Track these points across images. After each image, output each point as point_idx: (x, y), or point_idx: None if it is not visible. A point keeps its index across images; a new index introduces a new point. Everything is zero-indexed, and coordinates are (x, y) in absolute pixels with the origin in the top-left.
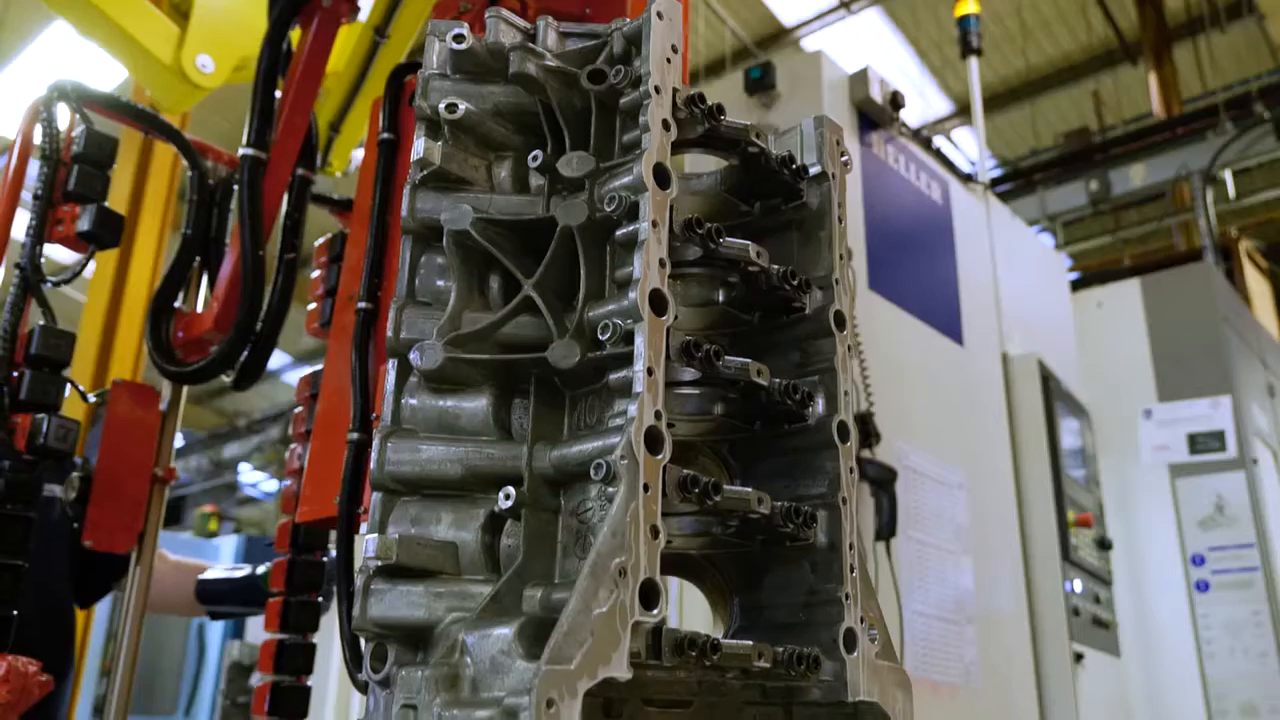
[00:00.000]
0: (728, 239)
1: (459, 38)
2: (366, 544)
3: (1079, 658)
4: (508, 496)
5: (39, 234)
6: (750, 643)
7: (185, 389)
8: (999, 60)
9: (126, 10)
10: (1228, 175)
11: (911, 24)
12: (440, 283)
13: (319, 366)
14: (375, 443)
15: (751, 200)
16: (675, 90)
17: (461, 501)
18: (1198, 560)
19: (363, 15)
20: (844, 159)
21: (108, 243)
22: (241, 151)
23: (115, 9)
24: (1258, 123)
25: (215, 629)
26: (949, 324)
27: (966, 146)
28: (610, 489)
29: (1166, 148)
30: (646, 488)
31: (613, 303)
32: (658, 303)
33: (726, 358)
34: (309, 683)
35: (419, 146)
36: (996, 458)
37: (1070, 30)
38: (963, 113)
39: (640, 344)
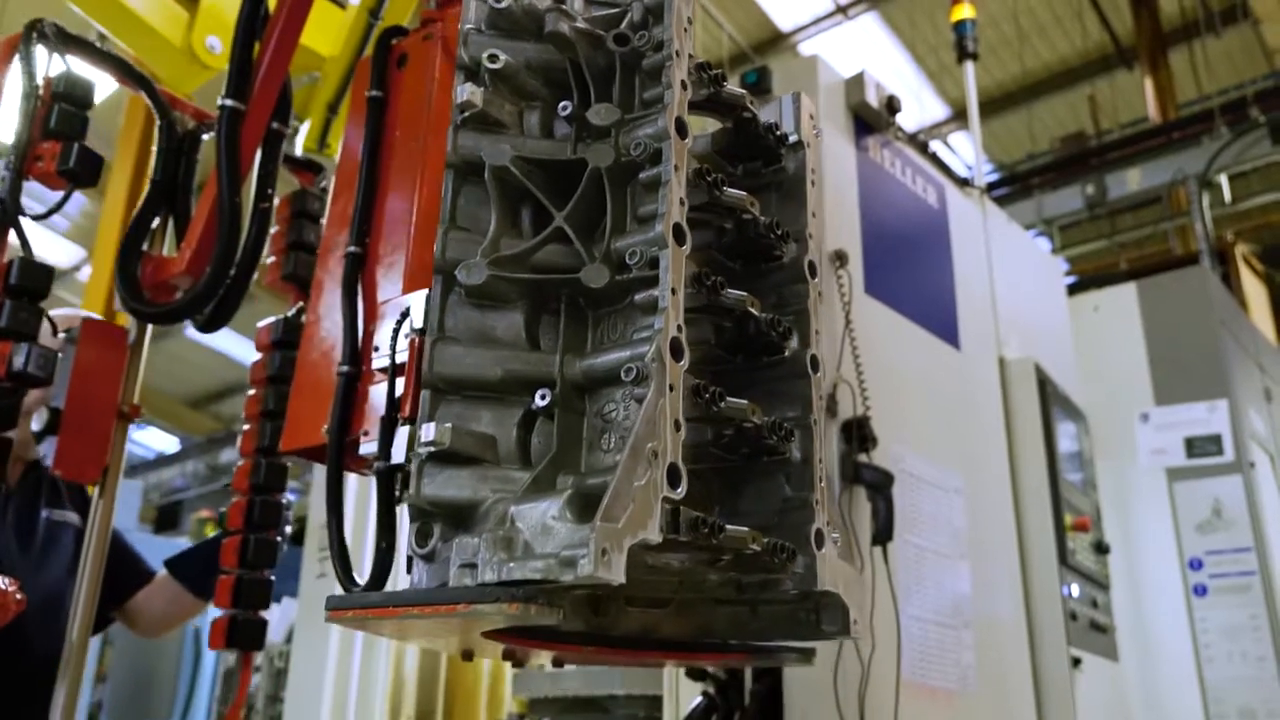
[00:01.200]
0: (728, 189)
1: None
2: (424, 430)
3: (1077, 662)
4: (543, 396)
5: (19, 169)
6: (746, 529)
7: (150, 328)
8: (995, 65)
9: None
10: (1223, 179)
11: (908, 29)
12: (476, 211)
13: (276, 317)
14: (426, 347)
15: (736, 163)
16: (691, 56)
17: (498, 402)
18: (1195, 564)
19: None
20: (815, 131)
21: (86, 181)
22: (220, 102)
23: None
24: (1253, 127)
25: None
26: (946, 328)
27: (963, 151)
28: (639, 390)
29: (1162, 152)
30: (671, 388)
31: (638, 234)
32: (679, 234)
33: (726, 289)
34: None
35: (463, 90)
36: (994, 462)
37: (1066, 35)
38: (959, 117)
39: (665, 268)
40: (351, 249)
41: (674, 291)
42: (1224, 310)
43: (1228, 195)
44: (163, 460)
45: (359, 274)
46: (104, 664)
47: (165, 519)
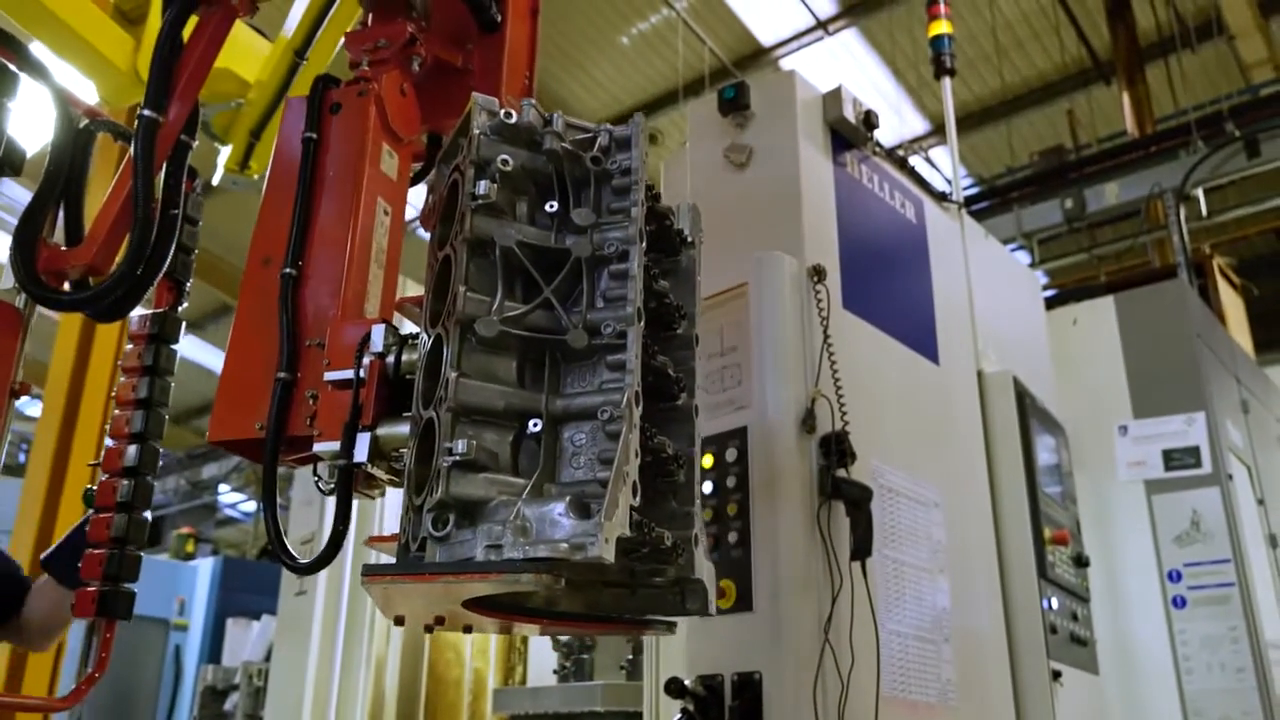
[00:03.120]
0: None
1: (508, 115)
2: (456, 444)
3: (1057, 675)
4: (535, 424)
5: None
6: (665, 530)
7: (36, 308)
8: (974, 79)
9: (85, 20)
10: (1200, 193)
11: (888, 44)
12: (480, 277)
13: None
14: (451, 379)
15: (650, 251)
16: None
17: (499, 426)
18: (1174, 576)
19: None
20: (700, 235)
21: (8, 172)
22: (141, 112)
23: (76, 19)
24: (1229, 141)
25: (192, 654)
26: (924, 342)
27: (944, 165)
28: (612, 426)
29: (1140, 166)
30: (633, 426)
31: (609, 311)
32: (640, 316)
33: (657, 354)
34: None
35: (481, 185)
36: (973, 475)
37: (1044, 50)
38: (939, 131)
39: (632, 339)
40: (288, 270)
41: (636, 356)
42: (1201, 323)
43: (1204, 208)
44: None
45: (294, 292)
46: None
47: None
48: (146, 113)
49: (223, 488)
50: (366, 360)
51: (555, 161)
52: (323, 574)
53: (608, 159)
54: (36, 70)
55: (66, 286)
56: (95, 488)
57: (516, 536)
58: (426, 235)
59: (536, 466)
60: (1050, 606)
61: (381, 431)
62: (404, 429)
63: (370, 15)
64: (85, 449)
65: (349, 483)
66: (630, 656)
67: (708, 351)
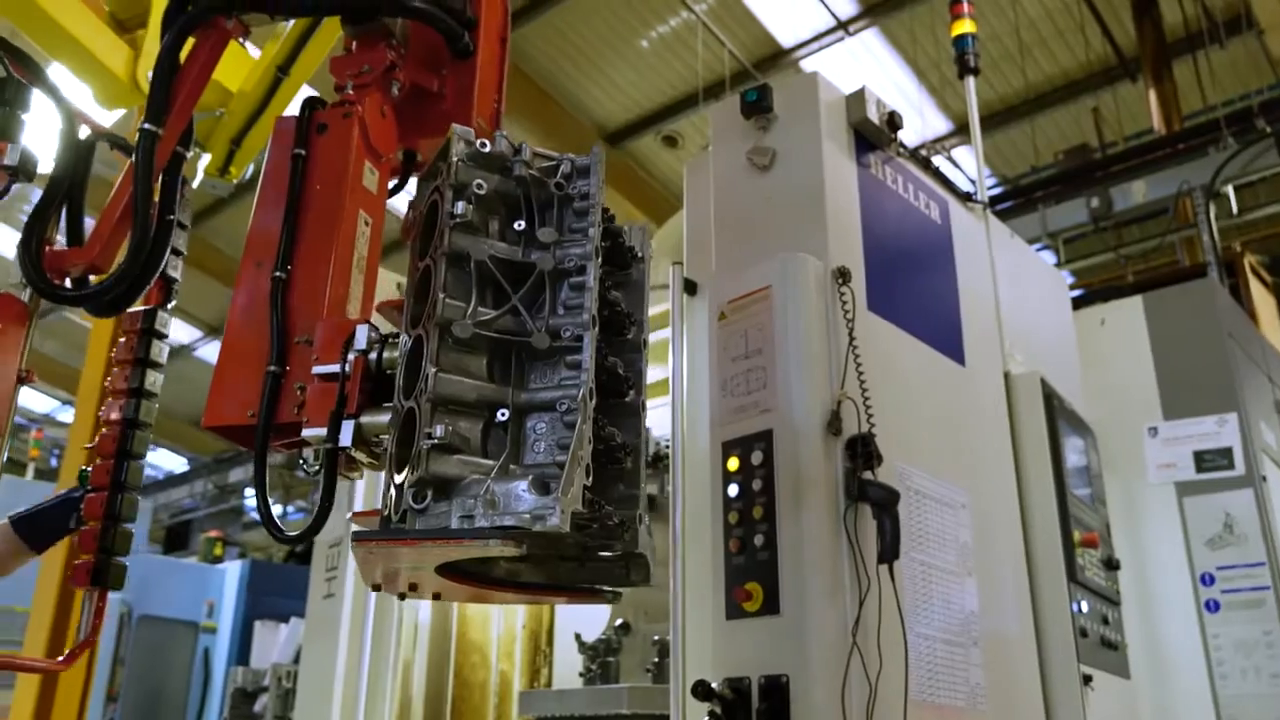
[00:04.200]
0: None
1: (484, 144)
2: (436, 429)
3: (1088, 680)
4: (503, 414)
5: None
6: (613, 510)
7: (41, 304)
8: (997, 78)
9: (88, 30)
10: (1230, 190)
11: (909, 44)
12: (455, 285)
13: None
14: (430, 374)
15: (605, 265)
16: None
17: (471, 415)
18: (1207, 580)
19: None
20: (650, 251)
21: (22, 178)
22: (142, 125)
23: (79, 30)
24: (1260, 138)
25: (220, 656)
26: (950, 344)
27: (967, 165)
28: (569, 418)
29: (1168, 164)
30: (587, 418)
31: (568, 318)
32: (595, 322)
33: (608, 356)
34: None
35: (459, 207)
36: (1000, 478)
37: (1069, 48)
38: (962, 131)
39: (587, 343)
40: (278, 274)
41: (591, 357)
42: (1232, 322)
43: (1235, 206)
44: (171, 480)
45: (283, 293)
46: (114, 684)
47: (174, 538)
48: (147, 126)
49: (249, 491)
50: (351, 356)
51: (523, 186)
52: (349, 578)
53: (569, 184)
54: (50, 90)
55: (68, 283)
56: (90, 469)
57: (486, 509)
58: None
59: (503, 450)
60: (1080, 610)
61: (364, 420)
62: (383, 418)
63: (354, 42)
64: None
65: (334, 464)
66: (656, 659)
67: (732, 354)
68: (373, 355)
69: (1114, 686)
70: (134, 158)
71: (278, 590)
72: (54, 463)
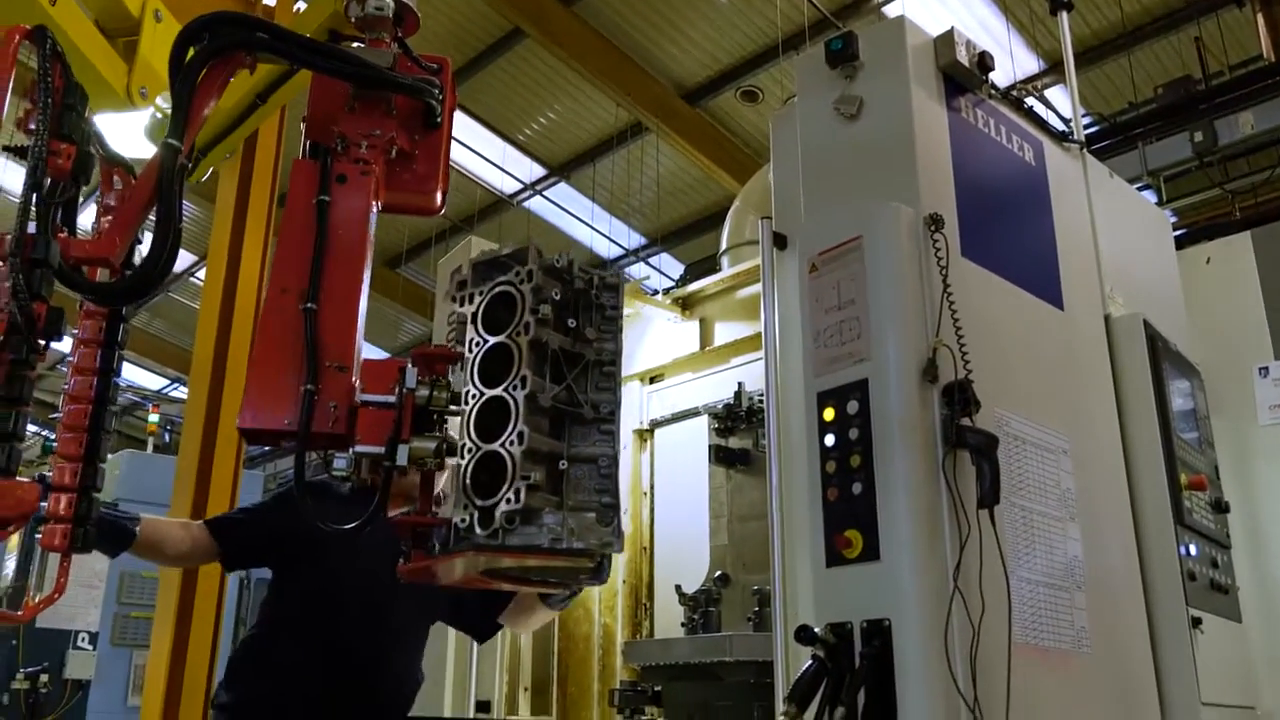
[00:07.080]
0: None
1: (559, 259)
2: (532, 474)
3: (1197, 623)
4: (563, 464)
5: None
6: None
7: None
8: (1090, 12)
9: (92, 47)
10: None
11: None
12: (535, 363)
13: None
14: (525, 431)
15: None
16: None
17: (543, 463)
18: None
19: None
20: (622, 304)
21: (85, 181)
22: (166, 140)
23: (87, 46)
24: None
25: None
26: (1047, 288)
27: (1061, 105)
28: (605, 469)
29: (1277, 92)
30: (618, 469)
31: (603, 395)
32: (620, 402)
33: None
34: None
35: (543, 310)
36: (1102, 422)
37: None
38: (1054, 70)
39: (618, 418)
40: (310, 305)
41: (619, 426)
42: None
43: None
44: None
45: (314, 324)
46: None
47: None
48: (171, 141)
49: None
50: (403, 391)
51: (575, 294)
52: None
53: (603, 295)
54: (52, 53)
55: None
56: (57, 441)
57: (568, 534)
58: None
59: (560, 490)
60: (1188, 553)
61: (413, 444)
62: (427, 445)
63: (356, 101)
64: (229, 429)
65: (390, 478)
66: (756, 609)
67: (824, 306)
68: (423, 393)
69: (1225, 630)
70: (160, 168)
71: None
72: (166, 438)
